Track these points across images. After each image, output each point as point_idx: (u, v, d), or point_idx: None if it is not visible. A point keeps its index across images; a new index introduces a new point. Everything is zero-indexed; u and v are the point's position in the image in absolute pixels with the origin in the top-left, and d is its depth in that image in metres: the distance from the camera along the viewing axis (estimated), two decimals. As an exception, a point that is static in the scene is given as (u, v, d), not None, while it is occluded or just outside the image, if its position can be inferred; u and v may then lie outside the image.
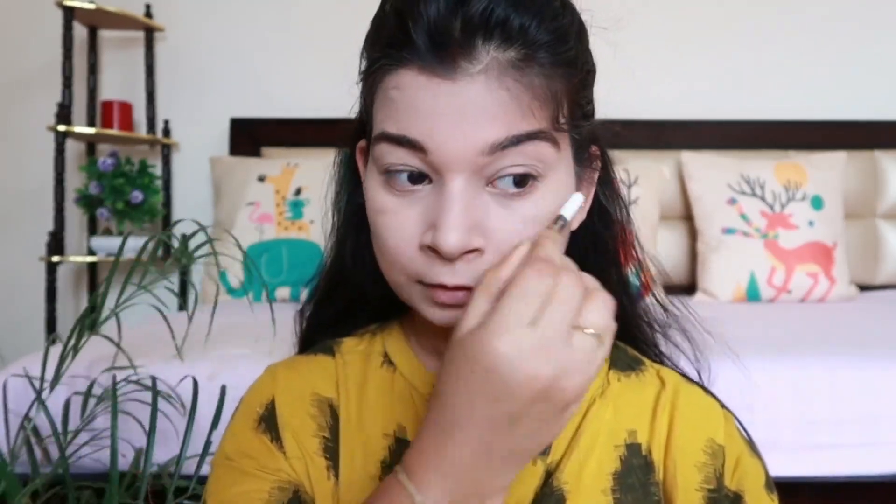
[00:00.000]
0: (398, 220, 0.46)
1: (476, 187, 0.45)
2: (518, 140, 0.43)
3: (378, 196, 0.47)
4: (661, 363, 0.59)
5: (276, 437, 0.52)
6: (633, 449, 0.52)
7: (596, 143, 0.53)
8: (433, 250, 0.44)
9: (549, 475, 0.51)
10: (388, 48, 0.44)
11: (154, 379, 0.94)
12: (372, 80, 0.47)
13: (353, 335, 0.59)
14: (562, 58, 0.45)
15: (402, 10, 0.44)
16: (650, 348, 0.60)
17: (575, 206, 0.45)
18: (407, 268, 0.46)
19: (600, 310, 0.37)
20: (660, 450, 0.52)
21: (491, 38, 0.43)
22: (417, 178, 0.45)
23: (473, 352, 0.36)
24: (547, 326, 0.35)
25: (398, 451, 0.52)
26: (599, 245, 0.56)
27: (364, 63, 0.48)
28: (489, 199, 0.45)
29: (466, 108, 0.42)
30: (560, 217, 0.44)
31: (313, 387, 0.54)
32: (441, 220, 0.43)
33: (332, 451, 0.52)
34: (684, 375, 0.58)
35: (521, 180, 0.45)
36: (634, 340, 0.59)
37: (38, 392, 0.96)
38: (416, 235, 0.45)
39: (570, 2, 0.48)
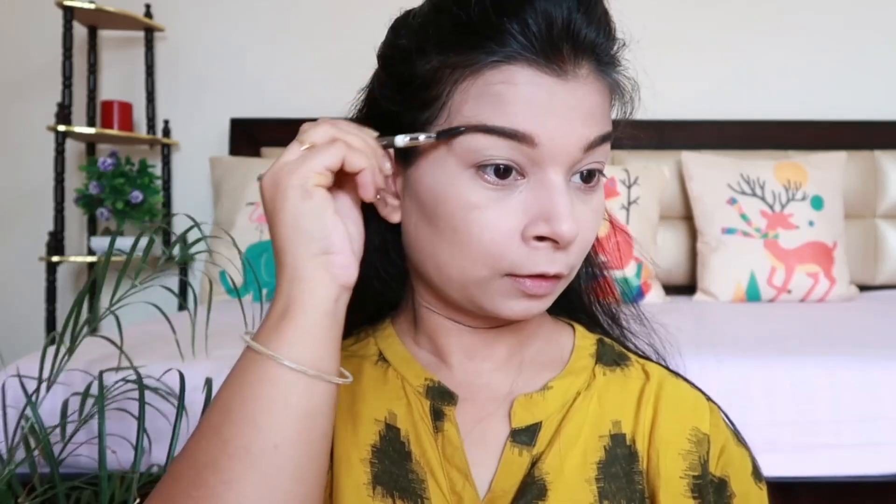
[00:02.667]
0: (495, 214, 0.48)
1: (568, 183, 0.49)
2: (604, 139, 0.49)
3: (467, 190, 0.48)
4: (648, 359, 0.61)
5: None
6: (617, 439, 0.54)
7: None
8: (541, 241, 0.47)
9: (532, 465, 0.52)
10: (491, 43, 0.46)
11: (139, 374, 0.94)
12: (454, 74, 0.47)
13: (347, 338, 0.60)
14: (617, 67, 0.52)
15: (503, 7, 0.46)
16: (613, 330, 0.63)
17: (407, 140, 0.49)
18: (499, 261, 0.48)
19: (316, 129, 0.46)
20: (644, 439, 0.54)
21: (590, 55, 0.48)
22: (505, 172, 0.47)
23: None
24: (286, 153, 0.46)
25: (388, 437, 0.53)
26: None
27: (426, 52, 0.48)
28: (573, 195, 0.49)
29: (573, 105, 0.47)
30: (389, 139, 0.49)
31: None
32: (556, 210, 0.47)
33: None
34: (671, 370, 0.60)
35: (589, 176, 0.50)
36: (594, 322, 0.63)
37: (31, 394, 0.96)
38: (517, 227, 0.48)
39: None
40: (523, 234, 0.48)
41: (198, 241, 1.02)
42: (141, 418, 0.90)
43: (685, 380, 0.59)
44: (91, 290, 0.93)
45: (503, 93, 0.46)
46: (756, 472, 0.56)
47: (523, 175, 0.48)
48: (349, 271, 0.46)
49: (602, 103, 0.49)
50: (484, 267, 0.48)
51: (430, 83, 0.48)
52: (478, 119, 0.46)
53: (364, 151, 0.46)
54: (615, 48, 0.50)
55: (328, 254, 0.45)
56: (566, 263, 0.49)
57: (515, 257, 0.48)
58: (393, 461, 0.53)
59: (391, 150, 0.51)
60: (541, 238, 0.47)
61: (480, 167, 0.47)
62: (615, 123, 0.52)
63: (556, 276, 0.49)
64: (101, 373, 0.97)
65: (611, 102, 0.51)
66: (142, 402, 0.90)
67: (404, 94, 0.50)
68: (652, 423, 0.55)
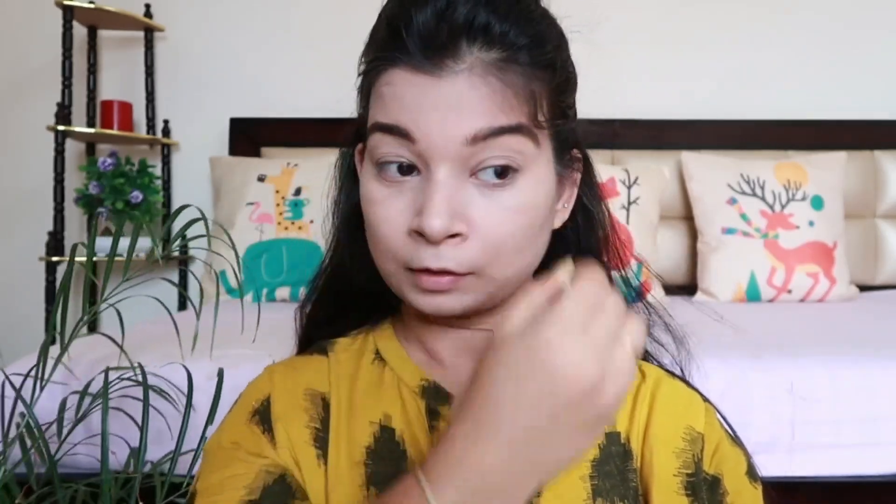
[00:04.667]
0: (388, 209, 0.49)
1: (460, 178, 0.48)
2: (498, 131, 0.47)
3: (371, 187, 0.51)
4: (645, 359, 0.61)
5: (268, 429, 0.54)
6: (612, 437, 0.54)
7: (577, 146, 0.56)
8: (420, 235, 0.48)
9: None
10: (381, 51, 0.49)
11: (143, 370, 0.94)
12: (367, 81, 0.51)
13: (347, 335, 0.61)
14: (540, 60, 0.49)
15: (393, 16, 0.49)
16: None
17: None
18: (396, 255, 0.50)
19: (637, 331, 0.38)
20: (638, 438, 0.54)
21: (474, 41, 0.47)
22: (407, 170, 0.49)
23: (527, 348, 0.37)
24: (598, 332, 0.36)
25: (382, 438, 0.54)
26: (583, 244, 0.59)
27: (361, 68, 0.53)
28: (473, 190, 0.48)
29: (450, 101, 0.47)
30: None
31: (308, 383, 0.57)
32: (426, 205, 0.47)
33: (322, 440, 0.54)
34: (668, 371, 0.60)
35: (502, 172, 0.48)
36: None
37: (20, 389, 0.96)
38: (404, 222, 0.49)
39: (549, 12, 0.53)
40: (408, 229, 0.49)
41: (198, 237, 1.02)
42: (145, 415, 0.90)
43: (682, 380, 0.59)
44: (65, 287, 0.93)
45: (385, 94, 0.49)
46: (751, 472, 0.56)
47: (417, 172, 0.49)
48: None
49: (494, 95, 0.47)
50: (388, 260, 0.51)
51: (361, 90, 0.53)
52: (374, 118, 0.50)
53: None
54: (522, 30, 0.48)
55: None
56: (457, 261, 0.48)
57: (405, 252, 0.49)
58: (387, 462, 0.53)
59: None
60: (420, 233, 0.48)
61: (379, 165, 0.50)
62: (558, 119, 0.51)
63: (448, 272, 0.48)
64: (107, 370, 0.97)
65: (525, 93, 0.48)
66: (146, 400, 0.90)
67: (358, 99, 0.55)
68: (647, 421, 0.55)
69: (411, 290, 0.50)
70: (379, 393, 0.56)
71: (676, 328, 0.63)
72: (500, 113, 0.47)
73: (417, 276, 0.49)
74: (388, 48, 0.48)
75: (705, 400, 0.58)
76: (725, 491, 0.54)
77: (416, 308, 0.51)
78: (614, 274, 0.64)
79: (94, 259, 2.13)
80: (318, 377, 0.57)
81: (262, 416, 0.54)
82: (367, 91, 0.52)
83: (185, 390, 1.01)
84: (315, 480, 0.53)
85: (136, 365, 0.97)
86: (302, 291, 0.66)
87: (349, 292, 0.61)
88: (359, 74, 0.53)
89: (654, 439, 0.54)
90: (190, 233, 1.20)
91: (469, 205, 0.48)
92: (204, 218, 1.01)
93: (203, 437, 0.99)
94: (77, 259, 0.96)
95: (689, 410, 0.56)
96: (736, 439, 0.58)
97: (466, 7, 0.47)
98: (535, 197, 0.50)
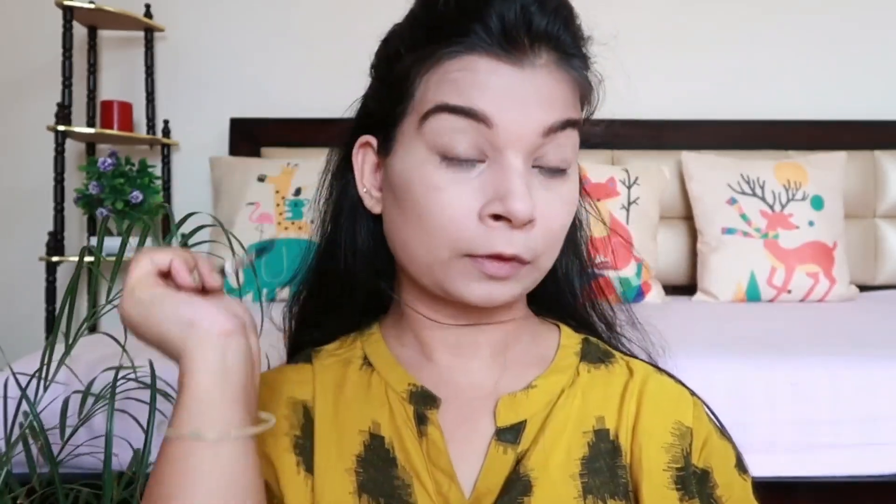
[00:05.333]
0: (454, 194, 0.49)
1: (527, 167, 0.50)
2: (566, 124, 0.50)
3: (430, 172, 0.50)
4: (633, 356, 0.62)
5: None
6: (600, 434, 0.55)
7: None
8: (496, 220, 0.49)
9: (517, 462, 0.53)
10: (453, 37, 0.50)
11: (153, 368, 0.93)
12: (420, 67, 0.51)
13: (335, 341, 0.61)
14: (587, 67, 0.53)
15: (469, 7, 0.49)
16: (602, 334, 0.63)
17: (238, 267, 0.51)
18: (458, 241, 0.50)
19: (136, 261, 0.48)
20: (627, 434, 0.55)
21: (548, 41, 0.50)
22: (472, 156, 0.50)
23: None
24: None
25: (372, 446, 0.54)
26: (569, 237, 0.60)
27: (402, 54, 0.52)
28: (534, 180, 0.50)
29: (532, 92, 0.49)
30: (222, 270, 0.50)
31: (289, 392, 0.57)
32: (511, 189, 0.48)
33: (302, 447, 0.54)
34: (657, 367, 0.60)
35: (561, 165, 0.51)
36: (589, 329, 0.63)
37: (25, 389, 0.96)
38: (475, 207, 0.49)
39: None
40: (480, 214, 0.49)
41: (201, 242, 1.02)
42: (151, 414, 0.90)
43: (670, 376, 0.59)
44: (73, 287, 0.93)
45: (460, 79, 0.49)
46: (740, 464, 0.57)
47: (483, 159, 0.49)
48: (219, 318, 0.46)
49: (563, 91, 0.51)
50: (444, 248, 0.50)
51: (403, 80, 0.52)
52: (441, 100, 0.49)
53: (169, 253, 0.48)
54: (577, 40, 0.52)
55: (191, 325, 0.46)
56: (526, 247, 0.49)
57: (472, 236, 0.49)
58: (378, 468, 0.53)
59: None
60: (496, 217, 0.49)
61: (442, 149, 0.49)
62: (587, 120, 0.54)
63: (516, 259, 0.49)
64: (118, 368, 0.97)
65: (577, 94, 0.53)
66: (153, 400, 0.90)
67: (384, 93, 0.54)
68: (635, 417, 0.55)
69: (465, 279, 0.50)
70: (367, 399, 0.56)
71: (652, 345, 0.64)
72: (568, 108, 0.51)
73: (482, 262, 0.49)
74: (462, 34, 0.49)
75: (693, 395, 0.58)
76: (715, 483, 0.55)
77: (464, 298, 0.51)
78: (610, 273, 0.65)
79: (93, 259, 2.13)
80: (300, 385, 0.57)
81: None
82: (413, 77, 0.51)
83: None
84: (295, 487, 0.53)
85: (141, 366, 0.96)
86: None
87: (338, 292, 0.61)
88: (395, 59, 0.53)
89: (642, 435, 0.54)
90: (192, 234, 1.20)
91: (534, 194, 0.49)
92: (218, 224, 1.01)
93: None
94: (77, 259, 0.96)
95: (677, 405, 0.56)
96: (724, 432, 0.58)
97: (548, 8, 0.49)
98: (577, 191, 0.53)
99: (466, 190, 0.49)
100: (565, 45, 0.51)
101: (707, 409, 0.58)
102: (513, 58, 0.49)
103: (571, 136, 0.51)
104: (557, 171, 0.51)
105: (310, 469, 0.53)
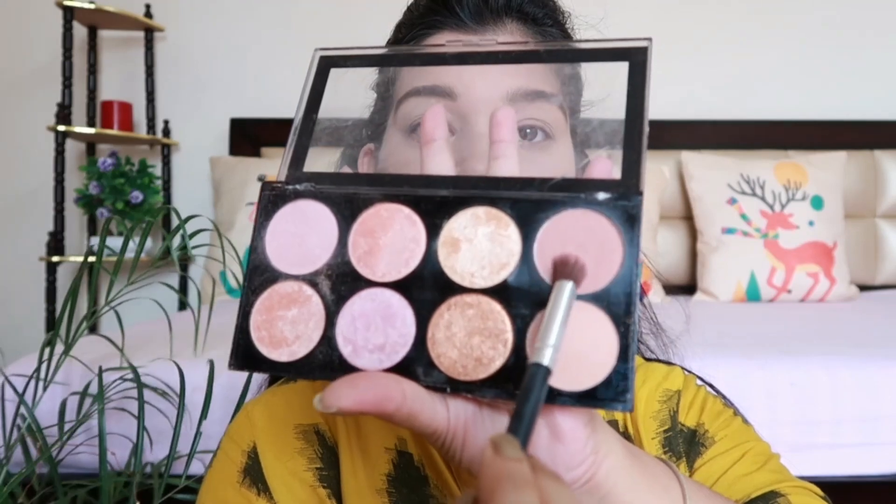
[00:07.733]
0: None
1: None
2: (535, 95, 0.49)
3: (402, 151, 0.50)
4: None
5: (263, 489, 0.49)
6: (612, 426, 0.54)
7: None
8: None
9: None
10: (423, 18, 0.52)
11: (136, 372, 0.93)
12: (400, 69, 0.52)
13: None
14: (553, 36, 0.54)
15: None
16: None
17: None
18: None
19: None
20: (632, 423, 0.55)
21: (514, 17, 0.51)
22: None
23: None
24: None
25: (401, 464, 0.51)
26: None
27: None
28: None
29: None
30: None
31: (295, 418, 0.52)
32: (473, 153, 0.46)
33: (328, 477, 0.51)
34: (645, 357, 0.61)
35: (537, 135, 0.50)
36: None
37: (23, 393, 0.96)
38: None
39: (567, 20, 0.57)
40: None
41: (200, 245, 1.02)
42: (140, 417, 0.90)
43: (662, 361, 0.60)
44: (75, 288, 0.93)
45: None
46: (739, 414, 0.55)
47: (453, 132, 0.49)
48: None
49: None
50: None
51: (390, 85, 0.53)
52: (409, 85, 0.50)
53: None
54: (551, 12, 0.53)
55: None
56: None
57: None
58: (411, 488, 0.50)
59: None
60: None
61: (412, 128, 0.49)
62: (575, 111, 0.54)
63: None
64: (101, 369, 0.97)
65: (552, 68, 0.52)
66: (141, 400, 0.90)
67: (378, 104, 0.55)
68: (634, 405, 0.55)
69: None
70: None
71: (660, 329, 0.64)
72: (538, 79, 0.49)
73: None
74: (430, 14, 0.51)
75: (688, 372, 0.58)
76: (705, 437, 0.53)
77: None
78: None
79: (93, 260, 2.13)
80: (304, 408, 0.52)
81: (253, 475, 0.49)
82: (393, 81, 0.52)
83: (188, 391, 1.01)
84: None
85: (130, 365, 0.96)
86: None
87: None
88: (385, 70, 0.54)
89: (638, 415, 0.55)
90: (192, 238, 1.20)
91: None
92: (216, 229, 1.01)
93: (198, 432, 0.97)
94: (77, 259, 0.96)
95: (667, 377, 0.57)
96: (726, 401, 0.57)
97: None
98: (564, 167, 0.51)
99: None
100: (534, 15, 0.52)
101: (709, 387, 0.57)
102: (477, 30, 0.50)
103: (546, 110, 0.49)
104: (536, 142, 0.49)
105: (338, 497, 0.50)
